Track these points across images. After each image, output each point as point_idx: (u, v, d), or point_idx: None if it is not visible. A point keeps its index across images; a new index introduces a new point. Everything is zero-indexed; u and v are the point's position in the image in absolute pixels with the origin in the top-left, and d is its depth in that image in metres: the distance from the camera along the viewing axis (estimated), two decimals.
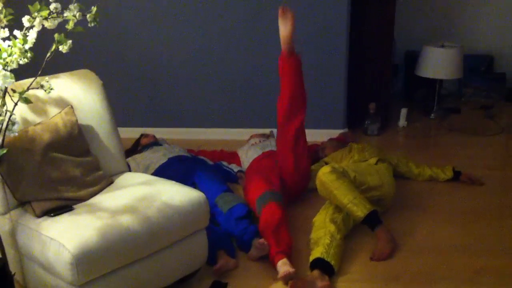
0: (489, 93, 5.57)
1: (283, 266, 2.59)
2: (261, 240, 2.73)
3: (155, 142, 3.79)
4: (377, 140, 4.50)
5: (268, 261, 2.72)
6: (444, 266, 2.72)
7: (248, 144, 3.93)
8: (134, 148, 3.84)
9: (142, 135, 3.97)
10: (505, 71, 5.65)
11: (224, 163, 3.77)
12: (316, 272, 2.59)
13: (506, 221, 3.19)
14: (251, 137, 4.11)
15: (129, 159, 3.53)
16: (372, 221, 2.85)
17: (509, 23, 5.60)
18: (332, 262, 2.64)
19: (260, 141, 3.91)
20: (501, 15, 5.59)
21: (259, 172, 3.32)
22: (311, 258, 2.68)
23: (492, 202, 3.41)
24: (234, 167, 3.71)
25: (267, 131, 4.26)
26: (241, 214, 2.92)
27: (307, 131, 4.39)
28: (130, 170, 3.32)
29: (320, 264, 2.63)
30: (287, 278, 2.56)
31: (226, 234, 2.88)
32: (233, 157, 3.87)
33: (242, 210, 2.96)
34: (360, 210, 2.82)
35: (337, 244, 2.74)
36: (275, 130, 4.04)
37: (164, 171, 3.34)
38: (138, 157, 3.61)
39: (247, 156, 3.73)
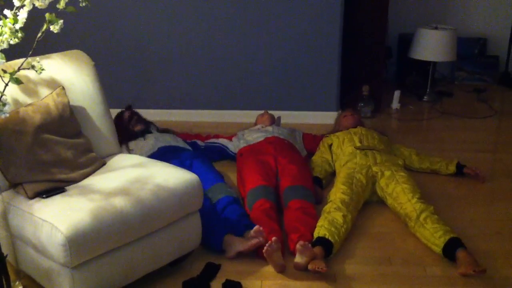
0: (482, 76, 5.58)
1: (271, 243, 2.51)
2: (256, 227, 2.63)
3: (147, 130, 3.66)
4: (371, 122, 4.49)
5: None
6: None
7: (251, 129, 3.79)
8: (126, 133, 3.69)
9: (122, 112, 3.71)
10: (498, 54, 5.66)
11: (212, 139, 3.70)
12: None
13: (496, 204, 3.21)
14: (257, 119, 3.96)
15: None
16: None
17: (502, 6, 5.59)
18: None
19: (263, 127, 3.77)
20: None
21: (258, 159, 3.26)
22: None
23: (483, 186, 3.42)
24: (229, 144, 3.63)
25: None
26: (225, 203, 2.90)
27: (299, 113, 4.42)
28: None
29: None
30: (271, 249, 2.49)
31: (222, 219, 2.83)
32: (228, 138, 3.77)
33: (227, 200, 2.93)
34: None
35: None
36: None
37: None
38: (130, 144, 3.53)
39: (245, 137, 3.65)
